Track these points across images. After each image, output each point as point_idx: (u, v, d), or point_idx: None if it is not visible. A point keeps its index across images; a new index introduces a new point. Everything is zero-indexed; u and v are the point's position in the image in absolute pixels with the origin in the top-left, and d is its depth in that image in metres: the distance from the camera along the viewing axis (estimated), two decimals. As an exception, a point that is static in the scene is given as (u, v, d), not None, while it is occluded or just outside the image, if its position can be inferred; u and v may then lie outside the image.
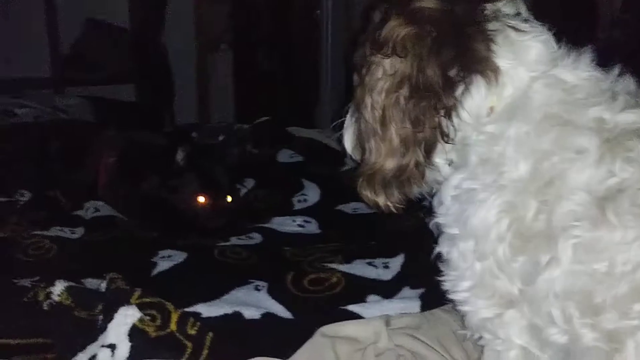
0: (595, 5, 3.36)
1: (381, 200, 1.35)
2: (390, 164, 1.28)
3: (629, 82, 1.23)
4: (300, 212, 2.16)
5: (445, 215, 1.30)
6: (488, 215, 1.19)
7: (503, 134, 1.20)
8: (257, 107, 4.40)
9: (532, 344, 1.24)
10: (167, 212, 2.08)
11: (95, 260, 1.77)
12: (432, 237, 1.85)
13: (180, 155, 2.06)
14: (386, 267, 1.77)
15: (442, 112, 1.24)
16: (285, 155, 2.52)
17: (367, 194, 1.35)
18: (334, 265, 1.75)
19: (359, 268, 1.75)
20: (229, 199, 2.11)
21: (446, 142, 1.27)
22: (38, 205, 2.15)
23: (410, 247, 1.82)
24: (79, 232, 1.99)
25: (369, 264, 1.77)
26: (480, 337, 1.32)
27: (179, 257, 1.81)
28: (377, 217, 2.03)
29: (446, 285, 1.32)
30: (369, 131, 1.29)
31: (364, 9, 1.37)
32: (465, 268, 1.25)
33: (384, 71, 1.25)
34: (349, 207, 2.16)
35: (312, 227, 2.06)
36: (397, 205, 1.36)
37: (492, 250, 1.19)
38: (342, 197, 2.18)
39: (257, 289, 1.64)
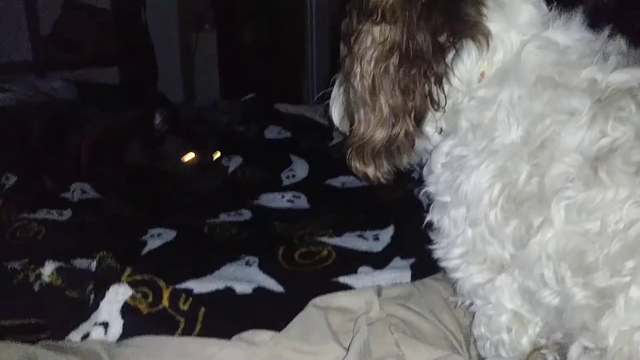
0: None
1: (370, 171, 1.35)
2: (380, 134, 1.28)
3: (620, 42, 1.23)
4: (289, 188, 2.15)
5: (435, 183, 1.31)
6: (480, 181, 1.19)
7: (495, 98, 1.20)
8: (243, 84, 4.38)
9: (523, 308, 1.26)
10: (156, 181, 2.04)
11: (84, 241, 1.75)
12: (421, 208, 1.87)
13: (158, 119, 2.03)
14: (376, 238, 1.77)
15: (432, 79, 1.24)
16: (273, 132, 2.50)
17: (356, 164, 1.35)
18: (324, 239, 1.75)
19: (349, 241, 1.75)
20: (218, 154, 2.08)
21: (436, 110, 1.26)
22: (24, 188, 2.12)
23: (399, 218, 1.82)
24: (67, 214, 1.97)
25: (359, 236, 1.77)
26: (472, 304, 1.34)
27: (169, 235, 1.80)
28: (366, 190, 2.05)
29: (437, 254, 1.33)
30: (358, 101, 1.28)
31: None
32: (456, 235, 1.27)
33: (373, 39, 1.24)
34: (337, 181, 2.16)
35: (302, 202, 2.06)
36: (387, 176, 1.36)
37: (484, 216, 1.20)
38: (330, 172, 2.18)
39: (247, 264, 1.63)
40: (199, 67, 5.01)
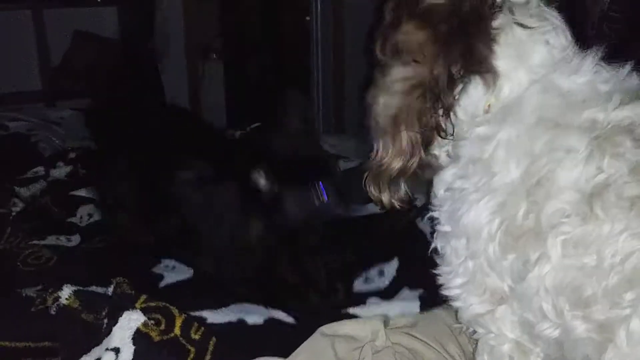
0: (584, 1, 3.41)
1: (385, 198, 1.38)
2: (397, 164, 1.30)
3: (631, 77, 1.23)
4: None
5: (439, 210, 1.32)
6: (480, 216, 1.21)
7: (495, 136, 1.22)
8: (249, 113, 4.43)
9: (524, 338, 1.28)
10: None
11: (97, 267, 1.78)
12: (424, 237, 1.89)
13: (262, 180, 1.66)
14: (381, 274, 1.81)
15: (440, 111, 1.26)
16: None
17: (372, 191, 1.38)
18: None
19: (357, 286, 1.79)
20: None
21: (443, 138, 1.29)
22: (31, 215, 2.15)
23: (403, 249, 1.86)
24: (75, 239, 2.00)
25: (365, 281, 1.81)
26: (474, 332, 1.36)
27: (182, 268, 1.84)
28: (368, 221, 2.08)
29: (440, 280, 1.34)
30: (380, 130, 1.31)
31: (377, 4, 1.37)
32: (457, 264, 1.28)
33: (400, 74, 1.27)
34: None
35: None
36: (400, 203, 1.39)
37: (483, 249, 1.22)
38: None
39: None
40: (206, 96, 5.06)
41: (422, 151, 1.29)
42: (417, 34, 1.25)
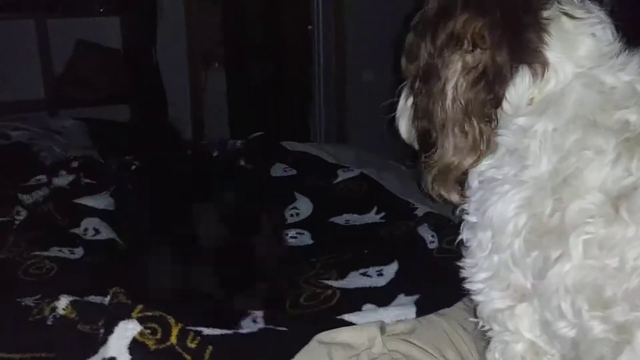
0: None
1: (455, 197, 1.36)
2: (470, 160, 1.29)
3: None
4: (293, 225, 2.19)
5: (469, 201, 1.31)
6: (506, 209, 1.21)
7: (532, 128, 1.21)
8: (251, 122, 4.45)
9: (541, 338, 1.27)
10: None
11: (96, 279, 1.78)
12: (424, 244, 1.90)
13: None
14: (380, 274, 1.80)
15: (493, 102, 1.26)
16: (278, 169, 2.55)
17: (441, 191, 1.35)
18: (329, 282, 1.78)
19: (354, 281, 1.78)
20: None
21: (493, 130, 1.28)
22: (34, 223, 2.15)
23: (403, 255, 1.86)
24: (78, 252, 2.00)
25: (363, 274, 1.81)
26: (490, 329, 1.35)
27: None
28: (369, 227, 2.09)
29: (464, 273, 1.33)
30: (448, 126, 1.28)
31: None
32: (482, 258, 1.27)
33: (465, 65, 1.25)
34: (341, 219, 2.20)
35: (305, 239, 2.09)
36: (463, 198, 1.36)
37: (509, 244, 1.21)
38: (334, 210, 2.22)
39: (254, 321, 1.66)
40: (208, 105, 5.08)
41: (490, 143, 1.27)
42: (477, 22, 1.24)
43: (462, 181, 1.34)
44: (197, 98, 4.93)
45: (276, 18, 5.70)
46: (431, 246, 1.89)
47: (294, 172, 2.49)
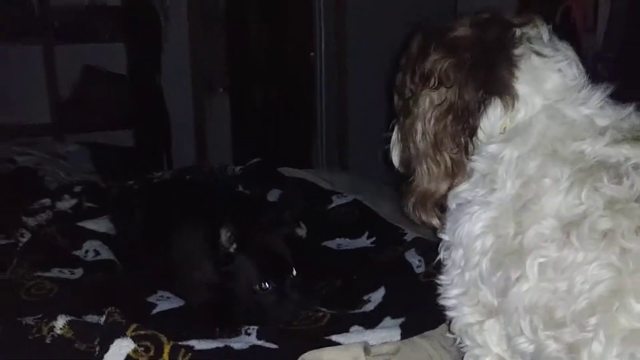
0: (579, 43, 3.52)
1: (435, 220, 1.47)
2: (445, 186, 1.41)
3: (633, 119, 1.31)
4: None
5: (446, 221, 1.42)
6: (473, 228, 1.31)
7: (499, 154, 1.32)
8: (254, 147, 4.51)
9: (507, 353, 1.35)
10: (226, 299, 1.83)
11: (95, 299, 1.82)
12: (411, 269, 1.96)
13: (224, 237, 1.80)
14: (368, 301, 1.87)
15: (467, 131, 1.37)
16: (274, 195, 2.62)
17: (421, 216, 1.47)
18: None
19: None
20: (294, 272, 1.82)
21: (468, 157, 1.39)
22: (37, 245, 2.21)
23: (390, 279, 1.92)
24: (78, 272, 2.06)
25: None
26: (462, 344, 1.43)
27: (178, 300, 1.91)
28: (359, 252, 2.16)
29: (439, 290, 1.43)
30: (421, 156, 1.41)
31: (406, 37, 1.49)
32: (456, 275, 1.37)
33: (432, 101, 1.38)
34: (333, 243, 2.27)
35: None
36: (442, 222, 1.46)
37: (477, 262, 1.31)
38: (327, 234, 2.29)
39: (247, 332, 1.71)
40: (212, 130, 5.15)
41: (463, 170, 1.39)
42: (445, 61, 1.37)
43: (443, 204, 1.45)
44: (200, 123, 5.01)
45: (279, 45, 5.78)
46: (418, 270, 1.96)
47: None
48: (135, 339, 1.47)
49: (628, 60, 3.41)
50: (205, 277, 1.84)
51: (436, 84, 1.37)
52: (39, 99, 4.48)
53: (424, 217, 1.47)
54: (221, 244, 1.80)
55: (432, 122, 1.38)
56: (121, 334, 1.47)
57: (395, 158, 1.54)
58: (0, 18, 4.16)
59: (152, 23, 4.58)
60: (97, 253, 2.18)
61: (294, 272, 1.81)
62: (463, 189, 1.39)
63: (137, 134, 4.71)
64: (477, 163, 1.36)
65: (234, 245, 1.80)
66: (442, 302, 1.42)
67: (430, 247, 2.02)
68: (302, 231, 1.97)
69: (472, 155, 1.38)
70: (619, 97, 1.38)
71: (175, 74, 4.73)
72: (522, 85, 1.35)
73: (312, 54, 5.19)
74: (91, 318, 1.67)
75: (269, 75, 5.78)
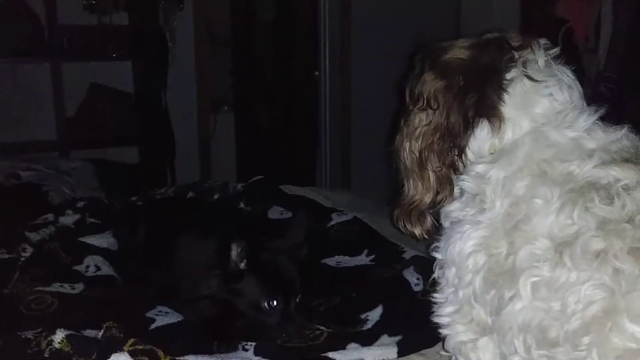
0: (581, 62, 3.55)
1: (417, 230, 1.53)
2: (428, 199, 1.47)
3: (624, 141, 1.34)
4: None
5: (439, 240, 1.45)
6: (464, 246, 1.33)
7: (487, 175, 1.35)
8: (258, 165, 4.53)
9: None
10: (231, 314, 1.82)
11: (95, 313, 1.83)
12: (408, 287, 1.97)
13: (235, 253, 1.80)
14: (366, 319, 1.87)
15: (455, 150, 1.42)
16: (275, 212, 2.63)
17: (405, 225, 1.53)
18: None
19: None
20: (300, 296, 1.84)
21: (457, 175, 1.44)
22: (39, 260, 2.21)
23: (388, 297, 1.93)
24: (79, 287, 2.06)
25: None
26: None
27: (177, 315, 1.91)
28: (358, 269, 2.17)
29: (434, 307, 1.45)
30: (408, 172, 1.48)
31: (409, 56, 1.55)
32: (450, 293, 1.40)
33: (420, 120, 1.44)
34: (333, 261, 2.27)
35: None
36: (428, 234, 1.53)
37: (470, 281, 1.33)
38: (327, 251, 2.30)
39: (244, 349, 1.72)
40: (217, 148, 5.20)
41: (448, 186, 1.45)
42: (434, 84, 1.42)
43: (427, 217, 1.51)
44: (205, 141, 5.05)
45: (285, 64, 5.83)
46: (416, 289, 1.97)
47: (290, 214, 2.57)
48: (132, 353, 1.48)
49: (629, 80, 3.44)
50: (211, 291, 1.84)
51: (424, 106, 1.42)
52: (46, 116, 4.53)
53: (408, 227, 1.53)
54: (232, 259, 1.81)
55: (419, 140, 1.44)
56: (118, 348, 1.49)
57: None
58: (10, 35, 4.21)
59: (158, 42, 4.61)
60: (98, 268, 2.19)
61: (300, 296, 1.83)
62: (454, 208, 1.42)
63: (142, 151, 4.74)
64: (466, 182, 1.39)
65: (244, 262, 1.81)
66: (436, 319, 1.44)
67: (429, 265, 2.03)
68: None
69: (461, 174, 1.42)
70: (619, 116, 1.41)
71: (180, 92, 4.77)
72: (509, 109, 1.39)
73: (316, 73, 5.22)
74: (90, 332, 1.67)
75: (274, 94, 5.83)
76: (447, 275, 1.39)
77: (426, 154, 1.43)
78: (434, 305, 1.45)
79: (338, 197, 2.84)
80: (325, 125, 5.22)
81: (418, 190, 1.47)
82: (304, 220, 2.02)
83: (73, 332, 1.59)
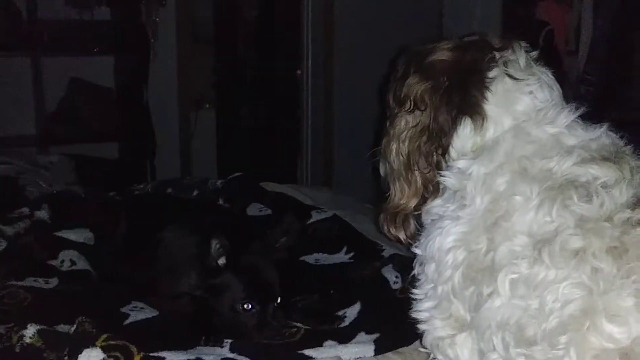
0: (562, 65, 3.57)
1: (402, 235, 1.53)
2: (413, 203, 1.47)
3: (604, 139, 1.35)
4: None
5: (420, 236, 1.45)
6: (444, 241, 1.33)
7: (467, 171, 1.35)
8: (239, 163, 4.52)
9: None
10: (208, 312, 1.80)
11: (68, 308, 1.80)
12: (387, 285, 1.96)
13: (214, 248, 1.78)
14: (344, 317, 1.87)
15: (440, 150, 1.42)
16: (255, 209, 2.62)
17: (390, 229, 1.53)
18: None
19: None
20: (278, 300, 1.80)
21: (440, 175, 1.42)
22: (12, 254, 2.19)
23: (366, 294, 1.92)
24: (53, 282, 2.04)
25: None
26: (434, 358, 1.43)
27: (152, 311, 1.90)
28: (336, 267, 2.16)
29: (413, 303, 1.44)
30: (395, 175, 1.48)
31: (393, 57, 1.55)
32: (429, 289, 1.39)
33: (407, 123, 1.44)
34: (312, 258, 2.26)
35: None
36: (411, 239, 1.52)
37: (450, 276, 1.33)
38: (306, 249, 2.29)
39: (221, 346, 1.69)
40: (198, 145, 5.17)
41: (433, 189, 1.44)
42: (421, 86, 1.42)
43: (411, 222, 1.51)
44: (186, 138, 5.03)
45: (267, 62, 5.81)
46: (395, 286, 1.96)
47: (269, 212, 2.55)
48: (105, 349, 1.46)
49: (608, 82, 3.47)
50: (190, 287, 1.82)
51: (411, 108, 1.42)
52: (26, 111, 4.47)
53: (392, 231, 1.53)
54: (210, 254, 1.78)
55: (407, 142, 1.44)
56: (91, 343, 1.47)
57: (382, 170, 1.59)
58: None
59: (140, 37, 4.58)
60: (73, 263, 2.17)
61: (278, 300, 1.80)
62: (435, 205, 1.42)
63: (123, 147, 4.70)
64: (447, 179, 1.39)
65: (223, 259, 1.78)
66: (414, 315, 1.43)
67: (407, 263, 2.02)
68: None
69: (443, 171, 1.41)
70: (598, 117, 1.41)
71: (162, 88, 4.75)
72: (491, 106, 1.39)
73: (298, 71, 5.21)
74: (62, 328, 1.65)
75: (256, 92, 5.80)
76: (426, 271, 1.39)
77: (414, 155, 1.44)
78: (413, 301, 1.44)
79: (318, 195, 2.83)
80: (307, 123, 5.20)
81: (404, 194, 1.47)
82: (294, 223, 1.98)
83: (45, 327, 1.56)
